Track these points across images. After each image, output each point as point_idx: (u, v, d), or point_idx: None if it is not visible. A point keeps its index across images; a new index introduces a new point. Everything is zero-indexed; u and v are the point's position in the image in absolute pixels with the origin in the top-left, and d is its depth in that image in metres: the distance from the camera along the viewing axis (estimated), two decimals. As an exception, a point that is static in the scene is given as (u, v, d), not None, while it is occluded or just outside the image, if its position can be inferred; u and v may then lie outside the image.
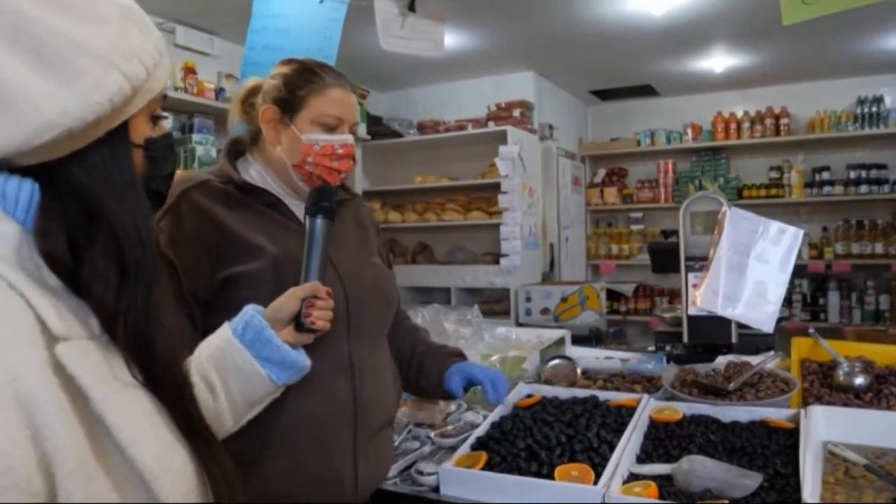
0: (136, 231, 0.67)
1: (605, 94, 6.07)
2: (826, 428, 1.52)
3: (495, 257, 4.63)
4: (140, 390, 0.66)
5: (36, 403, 0.56)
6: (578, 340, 2.46)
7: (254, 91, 1.35)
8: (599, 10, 3.84)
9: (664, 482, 1.32)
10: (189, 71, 3.45)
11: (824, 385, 1.84)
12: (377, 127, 4.89)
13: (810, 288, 5.52)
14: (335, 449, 1.23)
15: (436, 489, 1.43)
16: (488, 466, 1.41)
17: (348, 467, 1.24)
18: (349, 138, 1.34)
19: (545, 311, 4.31)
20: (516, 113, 4.83)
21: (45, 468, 0.55)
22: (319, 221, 1.18)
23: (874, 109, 5.33)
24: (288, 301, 1.09)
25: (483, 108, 5.03)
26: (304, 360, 1.09)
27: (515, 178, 4.47)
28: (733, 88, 5.78)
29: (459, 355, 1.61)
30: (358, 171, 4.90)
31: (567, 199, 5.56)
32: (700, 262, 2.09)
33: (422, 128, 5.04)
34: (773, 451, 1.40)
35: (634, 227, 6.11)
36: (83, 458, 0.57)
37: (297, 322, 1.10)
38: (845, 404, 1.68)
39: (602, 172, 6.30)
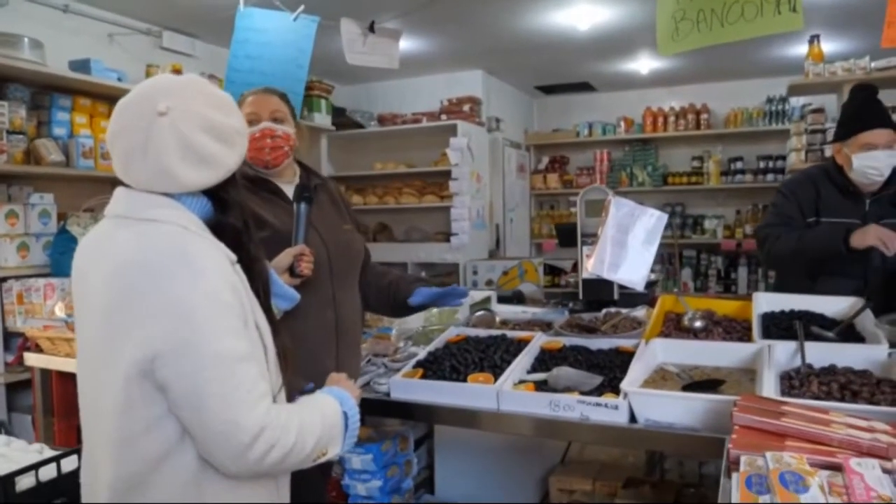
0: (248, 210, 1.31)
1: (548, 90, 6.71)
2: (662, 353, 2.17)
3: (447, 236, 5.25)
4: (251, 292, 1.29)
5: (238, 290, 1.20)
6: (506, 300, 3.11)
7: None
8: (536, 21, 4.45)
9: (542, 384, 1.96)
10: (176, 73, 3.96)
11: (676, 328, 2.51)
12: (341, 118, 5.44)
13: (724, 264, 6.28)
14: (325, 354, 1.84)
15: (388, 394, 2.05)
16: (424, 378, 2.04)
17: (333, 368, 1.84)
18: (265, 125, 1.90)
19: (489, 282, 4.96)
20: (466, 108, 5.43)
21: (244, 317, 1.20)
22: (303, 206, 1.79)
23: (780, 107, 6.08)
24: (285, 257, 1.69)
25: (437, 103, 5.61)
26: (296, 294, 1.69)
27: (464, 166, 5.08)
28: (661, 86, 6.47)
29: (423, 280, 2.21)
30: (323, 157, 5.45)
31: (512, 184, 6.20)
32: (592, 238, 2.73)
33: (381, 120, 5.60)
34: (618, 364, 2.04)
35: (574, 210, 6.79)
36: (250, 317, 1.23)
37: (291, 270, 1.69)
38: (686, 339, 2.34)
39: (545, 160, 6.97)
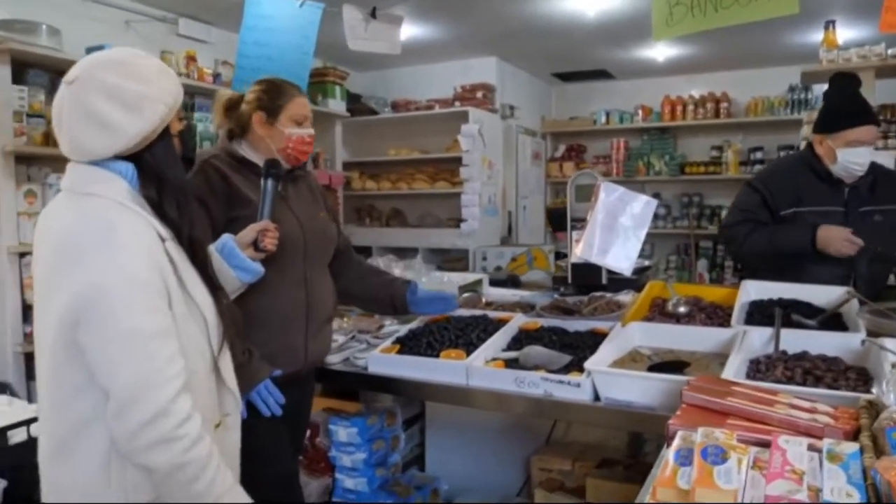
0: (182, 185, 1.35)
1: (566, 77, 6.69)
2: (639, 336, 2.20)
3: (458, 222, 5.29)
4: (191, 265, 1.34)
5: (163, 267, 1.24)
6: (499, 284, 3.16)
7: (233, 101, 1.98)
8: (544, 7, 4.45)
9: (513, 362, 2.01)
10: (190, 59, 4.07)
11: (661, 313, 2.53)
12: (356, 104, 5.51)
13: (741, 255, 6.21)
14: (294, 331, 1.91)
15: (366, 368, 2.13)
16: (400, 353, 2.11)
17: (301, 344, 1.92)
18: (312, 131, 2.01)
19: (498, 268, 4.99)
20: (479, 94, 5.46)
21: (166, 294, 1.24)
22: (270, 182, 1.84)
23: (802, 96, 5.97)
24: (249, 232, 1.75)
25: (451, 89, 5.65)
26: (258, 267, 1.74)
27: (475, 152, 5.11)
28: (680, 74, 6.40)
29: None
30: (338, 143, 5.54)
31: (526, 171, 6.21)
32: (581, 222, 2.76)
33: (395, 106, 5.66)
34: (590, 345, 2.08)
35: (590, 198, 6.77)
36: (178, 292, 1.27)
37: (255, 245, 1.75)
38: (663, 323, 2.36)
39: (563, 148, 6.95)
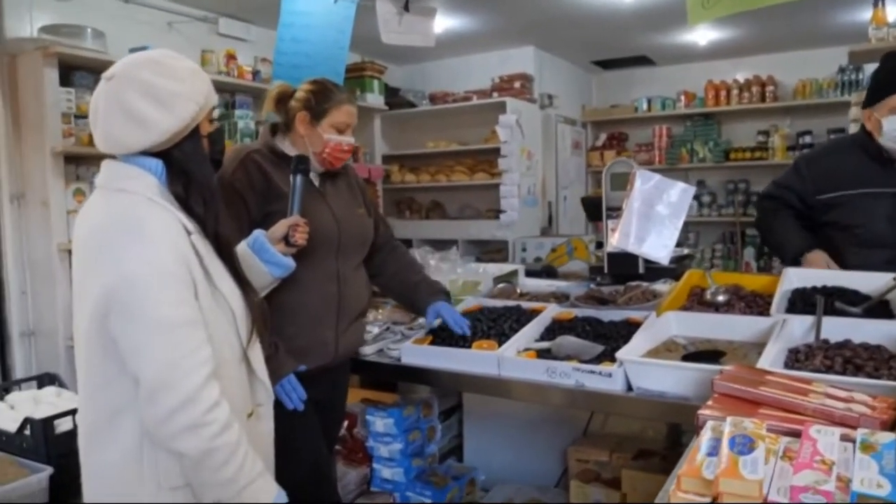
0: (209, 183, 1.38)
1: (606, 64, 6.59)
2: (676, 325, 2.17)
3: (497, 213, 5.28)
4: (217, 259, 1.37)
5: (189, 259, 1.28)
6: (535, 275, 3.15)
7: (284, 95, 2.00)
8: (583, -5, 4.40)
9: (545, 352, 2.01)
10: (230, 57, 4.15)
11: (700, 302, 2.48)
12: (394, 98, 5.54)
13: (789, 242, 6.03)
14: (325, 325, 1.94)
15: (399, 360, 2.15)
16: (432, 344, 2.12)
17: (332, 339, 1.95)
18: (352, 140, 2.03)
19: (538, 259, 4.96)
20: (517, 84, 5.42)
21: (192, 285, 1.28)
22: (299, 178, 1.85)
23: (853, 77, 5.74)
24: (280, 227, 1.77)
25: (488, 80, 5.62)
26: (290, 261, 1.76)
27: (513, 143, 5.09)
28: (723, 58, 6.24)
29: (445, 293, 2.28)
30: (377, 136, 5.57)
31: (566, 161, 6.15)
32: (617, 211, 2.72)
33: (433, 98, 5.67)
34: (623, 335, 2.05)
35: (632, 187, 6.66)
36: (204, 284, 1.30)
37: (286, 240, 1.77)
38: (700, 312, 2.31)
39: (604, 137, 6.85)
